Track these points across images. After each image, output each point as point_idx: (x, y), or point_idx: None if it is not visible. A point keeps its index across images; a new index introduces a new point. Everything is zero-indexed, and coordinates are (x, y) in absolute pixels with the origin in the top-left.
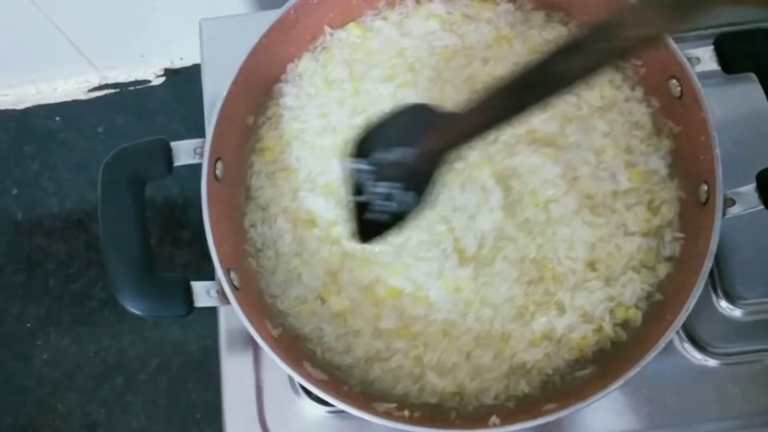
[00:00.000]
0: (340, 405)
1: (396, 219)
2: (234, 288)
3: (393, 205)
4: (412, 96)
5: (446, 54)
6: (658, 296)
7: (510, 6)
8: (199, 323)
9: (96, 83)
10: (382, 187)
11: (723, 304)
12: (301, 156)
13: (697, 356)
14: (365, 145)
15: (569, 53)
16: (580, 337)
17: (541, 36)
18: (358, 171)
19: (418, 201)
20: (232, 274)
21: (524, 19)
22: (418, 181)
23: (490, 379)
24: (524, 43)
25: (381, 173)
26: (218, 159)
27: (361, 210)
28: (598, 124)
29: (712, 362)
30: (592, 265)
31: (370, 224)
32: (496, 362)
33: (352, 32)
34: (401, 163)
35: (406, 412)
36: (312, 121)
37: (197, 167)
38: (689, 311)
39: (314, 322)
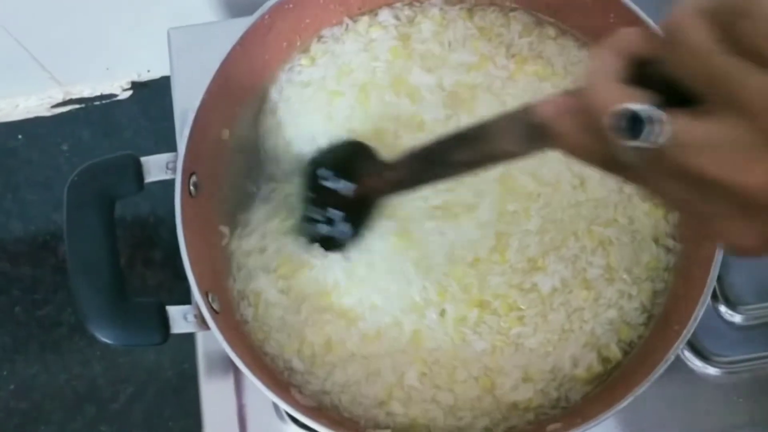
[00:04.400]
0: None
1: (338, 243)
2: (213, 311)
3: (335, 231)
4: None
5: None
6: (658, 307)
7: None
8: (175, 347)
9: (59, 99)
10: (328, 212)
11: (722, 309)
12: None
13: (697, 364)
14: (316, 169)
15: (457, 144)
16: (585, 370)
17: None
18: (311, 189)
19: (354, 232)
20: (211, 297)
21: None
22: (357, 213)
23: (469, 417)
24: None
25: (327, 199)
26: (192, 174)
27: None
28: None
29: (713, 370)
30: (585, 282)
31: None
32: (477, 401)
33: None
34: (343, 195)
35: None
36: None
37: (169, 183)
38: (698, 321)
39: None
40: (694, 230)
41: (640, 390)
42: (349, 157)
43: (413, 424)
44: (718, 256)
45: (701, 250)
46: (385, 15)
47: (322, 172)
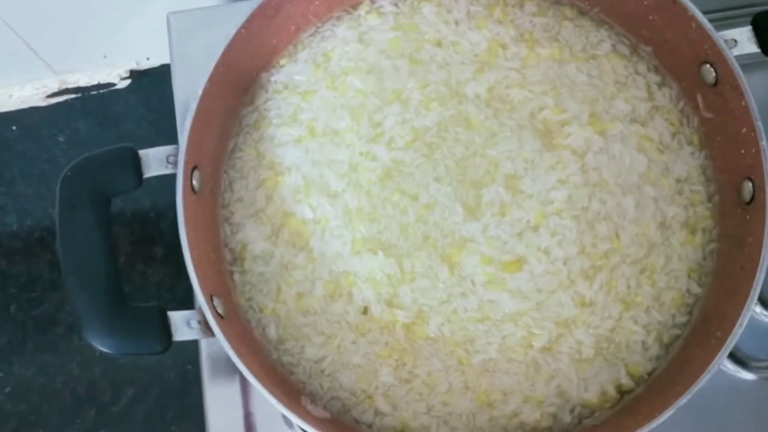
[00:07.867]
0: None
1: None
2: (218, 316)
3: None
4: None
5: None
6: (696, 312)
7: None
8: (177, 347)
9: (55, 88)
10: None
11: (758, 310)
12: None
13: (729, 367)
14: None
15: None
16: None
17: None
18: None
19: None
20: (215, 301)
21: None
22: None
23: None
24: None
25: None
26: (195, 168)
27: None
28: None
29: (747, 375)
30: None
31: None
32: (476, 417)
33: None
34: None
35: None
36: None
37: (170, 176)
38: (743, 327)
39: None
40: None
41: (681, 402)
42: None
43: (405, 428)
44: (765, 254)
45: (742, 249)
46: None
47: None
